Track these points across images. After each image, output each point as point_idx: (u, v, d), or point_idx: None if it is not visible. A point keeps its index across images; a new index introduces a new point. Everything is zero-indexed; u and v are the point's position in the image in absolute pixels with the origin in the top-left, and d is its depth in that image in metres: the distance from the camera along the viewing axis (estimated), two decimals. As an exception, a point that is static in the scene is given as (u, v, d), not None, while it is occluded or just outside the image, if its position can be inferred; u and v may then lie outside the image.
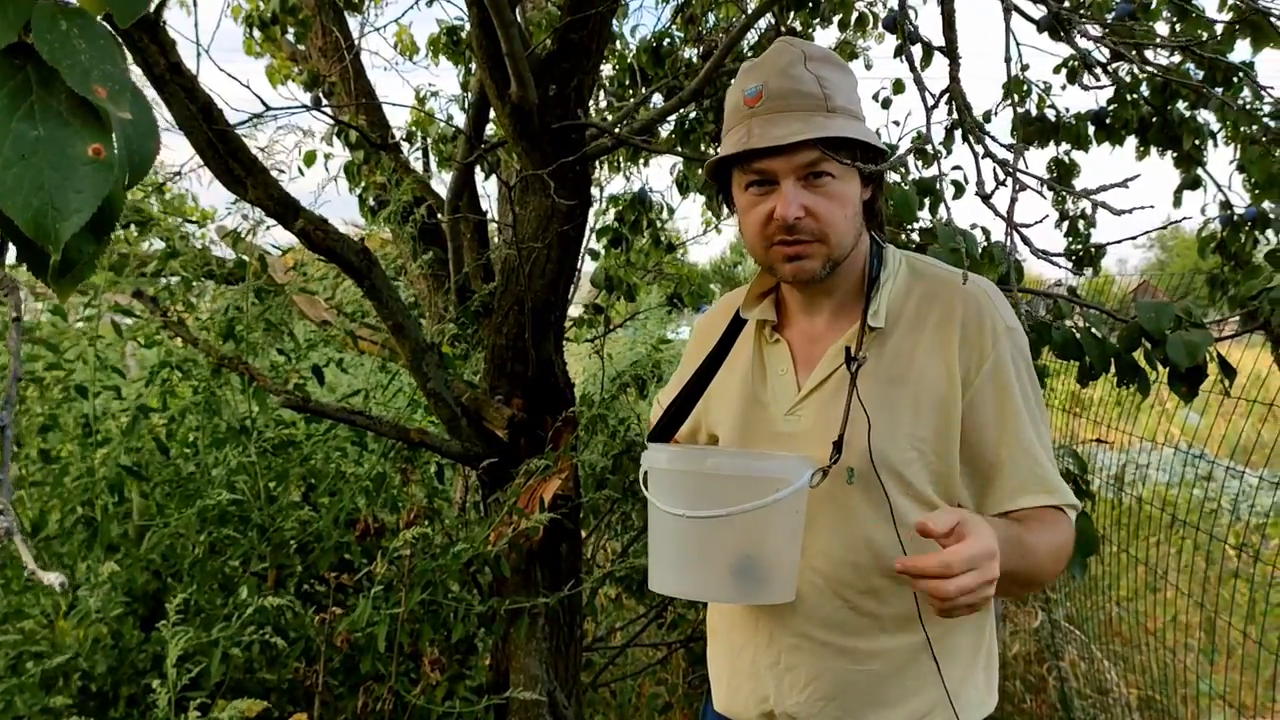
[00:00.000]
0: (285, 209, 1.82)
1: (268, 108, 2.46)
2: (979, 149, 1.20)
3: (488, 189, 4.23)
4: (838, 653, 1.39)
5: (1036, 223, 1.13)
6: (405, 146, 3.53)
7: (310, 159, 3.18)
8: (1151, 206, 1.17)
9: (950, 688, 1.38)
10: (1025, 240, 1.14)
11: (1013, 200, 1.13)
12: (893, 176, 2.75)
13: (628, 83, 3.66)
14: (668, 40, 3.53)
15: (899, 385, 1.36)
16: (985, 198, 1.15)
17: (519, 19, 2.14)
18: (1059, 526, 1.36)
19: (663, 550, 1.32)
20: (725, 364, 1.54)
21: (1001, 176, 1.18)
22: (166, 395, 2.38)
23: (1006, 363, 1.36)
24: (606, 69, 3.77)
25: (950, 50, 1.37)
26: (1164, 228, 1.42)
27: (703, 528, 1.26)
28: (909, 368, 1.37)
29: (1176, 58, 3.03)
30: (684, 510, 1.25)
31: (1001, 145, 1.25)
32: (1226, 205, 3.23)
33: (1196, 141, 3.17)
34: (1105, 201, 1.10)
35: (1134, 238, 1.26)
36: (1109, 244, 4.04)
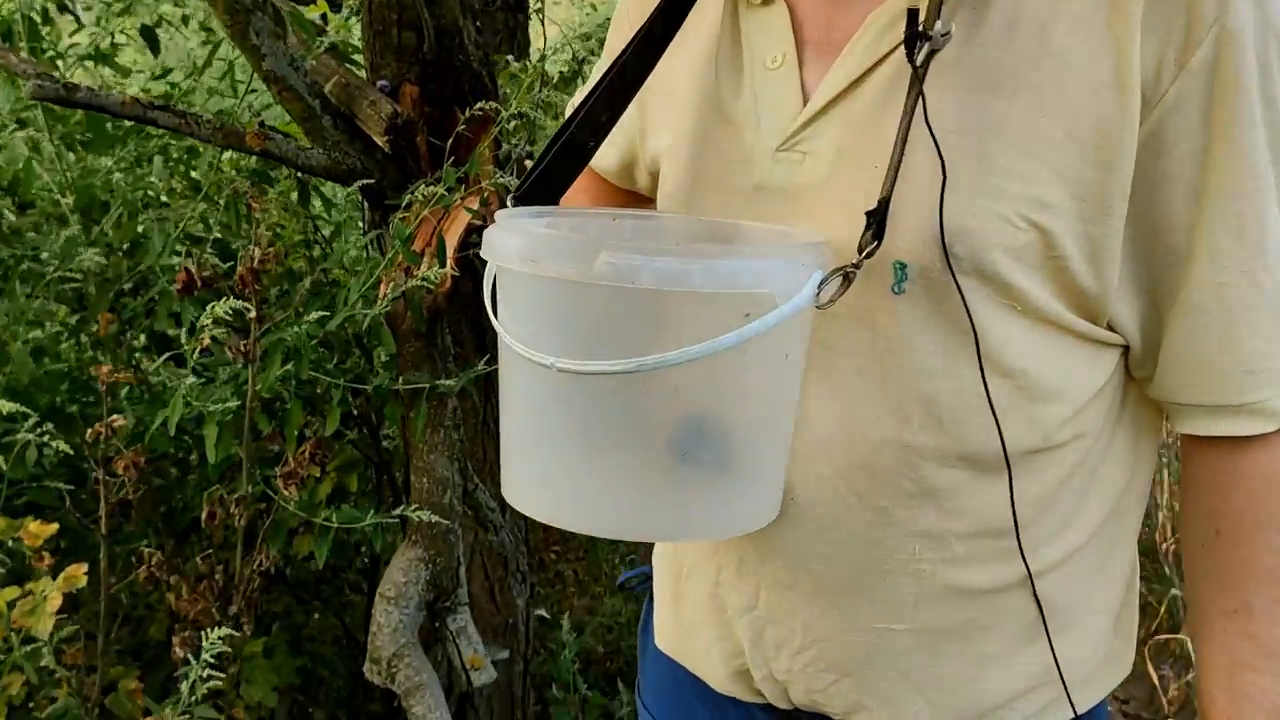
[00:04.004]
0: None
1: None
2: None
3: None
4: (860, 600, 0.78)
5: None
6: None
7: None
8: None
9: (1063, 657, 0.79)
10: None
11: None
12: None
13: None
14: None
15: (1007, 98, 0.71)
16: None
17: None
18: None
19: (523, 435, 0.69)
20: (674, 45, 0.84)
21: None
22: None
23: (1244, 65, 0.69)
24: None
25: None
26: None
27: (600, 393, 0.63)
28: (1030, 62, 0.71)
29: None
30: (564, 359, 0.60)
31: None
32: None
33: None
34: None
35: None
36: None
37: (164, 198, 1.78)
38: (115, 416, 1.26)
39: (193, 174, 1.73)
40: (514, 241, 0.66)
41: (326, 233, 1.87)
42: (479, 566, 1.84)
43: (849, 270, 0.66)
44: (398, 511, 1.48)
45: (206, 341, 1.34)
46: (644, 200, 1.08)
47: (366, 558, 1.97)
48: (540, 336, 0.66)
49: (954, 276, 0.70)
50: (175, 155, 1.83)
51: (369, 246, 1.76)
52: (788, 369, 0.68)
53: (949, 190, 0.69)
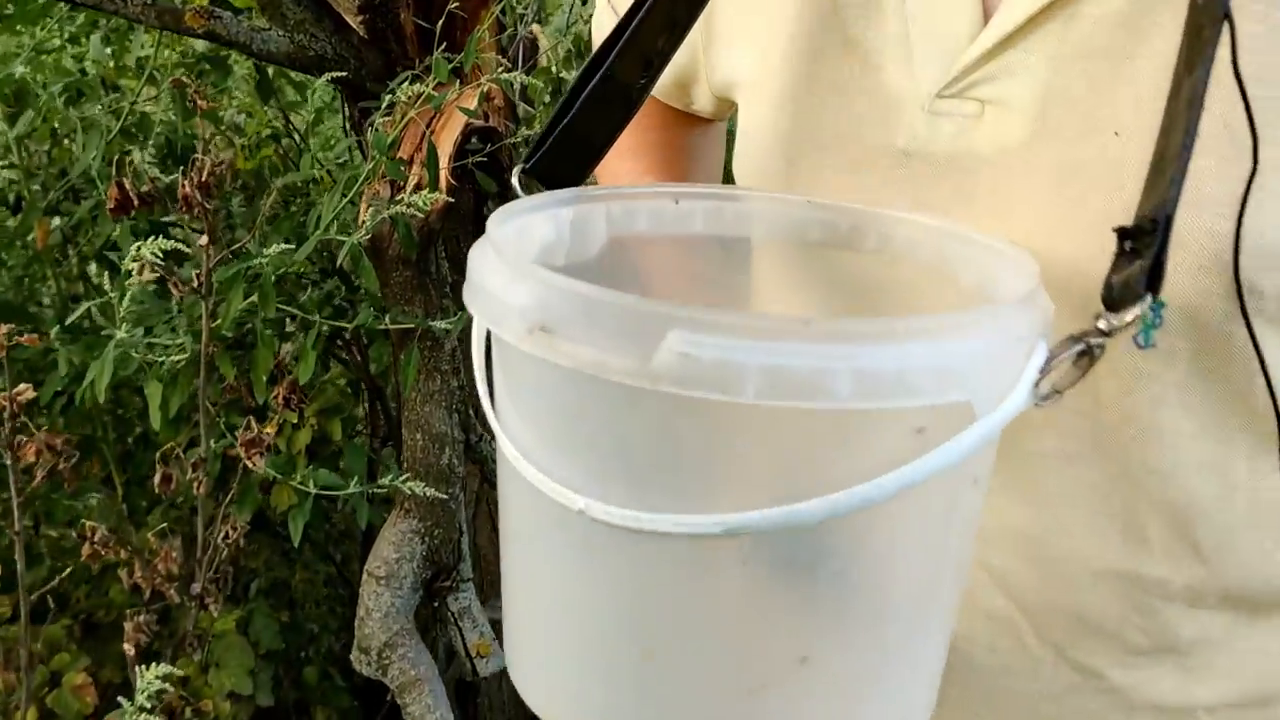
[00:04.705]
0: None
1: None
2: None
3: None
4: None
5: None
6: None
7: None
8: None
9: None
10: None
11: None
12: None
13: None
14: None
15: None
16: None
17: None
18: None
19: (533, 612, 0.42)
20: None
21: None
22: None
23: None
24: None
25: None
26: None
27: (665, 563, 0.36)
28: None
29: None
30: (603, 505, 0.34)
31: None
32: None
33: None
34: None
35: None
36: None
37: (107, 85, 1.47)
38: (22, 387, 1.00)
39: (131, 57, 1.41)
40: (520, 295, 0.38)
41: (303, 124, 1.57)
42: (485, 516, 1.61)
43: (1092, 343, 0.39)
44: (386, 481, 1.23)
45: (138, 282, 1.07)
46: (706, 127, 0.79)
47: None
48: (562, 455, 0.39)
49: (1247, 323, 0.43)
50: (115, 27, 1.51)
51: (351, 150, 1.46)
52: (972, 500, 0.42)
53: (1257, 186, 0.41)
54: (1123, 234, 0.39)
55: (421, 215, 1.22)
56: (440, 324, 1.23)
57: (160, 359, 1.13)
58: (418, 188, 1.24)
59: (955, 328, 0.37)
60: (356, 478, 1.25)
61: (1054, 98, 0.47)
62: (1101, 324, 0.38)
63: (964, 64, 0.49)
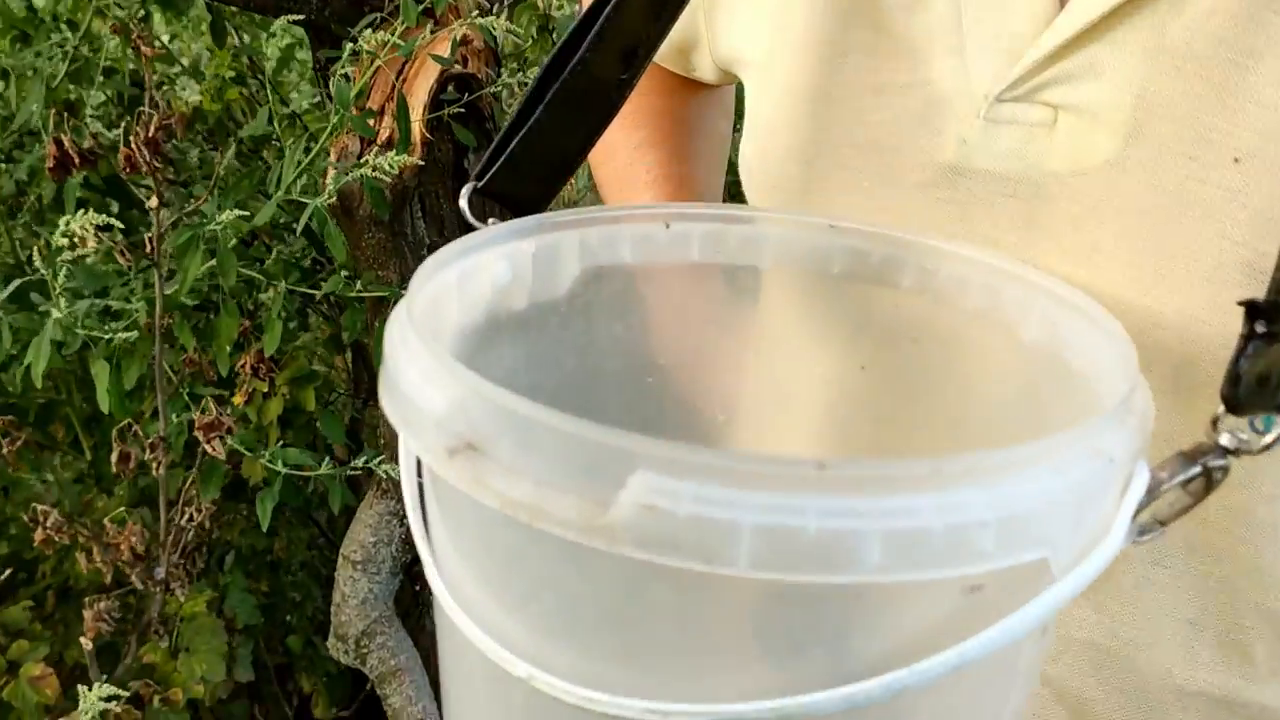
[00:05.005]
0: None
1: None
2: None
3: None
4: None
5: None
6: None
7: None
8: None
9: None
10: None
11: None
12: None
13: None
14: None
15: None
16: None
17: None
18: None
19: None
20: None
21: None
22: None
23: None
24: None
25: None
26: None
27: None
28: None
29: None
30: (551, 676, 0.25)
31: None
32: None
33: None
34: None
35: None
36: None
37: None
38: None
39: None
40: (436, 400, 0.29)
41: (269, 65, 1.44)
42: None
43: (1211, 465, 0.29)
44: (360, 463, 1.15)
45: (72, 257, 0.97)
46: (712, 93, 0.68)
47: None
48: (502, 606, 0.30)
49: None
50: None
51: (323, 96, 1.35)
52: (1040, 648, 0.32)
53: None
54: (1254, 311, 0.29)
55: (399, 176, 1.11)
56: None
57: (107, 335, 1.04)
58: (389, 143, 1.13)
59: (1024, 463, 0.27)
60: (326, 458, 1.16)
61: (1152, 107, 0.36)
62: (1226, 439, 0.28)
63: (1034, 59, 0.38)
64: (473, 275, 0.38)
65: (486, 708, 0.33)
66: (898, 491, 0.25)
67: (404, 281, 1.19)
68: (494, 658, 0.30)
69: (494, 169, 0.42)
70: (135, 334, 1.05)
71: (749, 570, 0.25)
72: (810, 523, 0.25)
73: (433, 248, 1.26)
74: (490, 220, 0.41)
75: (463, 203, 0.42)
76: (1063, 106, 0.39)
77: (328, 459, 1.17)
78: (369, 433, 1.62)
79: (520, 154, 0.41)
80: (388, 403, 0.31)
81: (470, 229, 0.41)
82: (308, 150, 1.10)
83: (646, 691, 0.28)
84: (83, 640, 1.11)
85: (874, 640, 0.28)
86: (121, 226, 1.06)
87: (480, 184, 0.42)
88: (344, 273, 1.20)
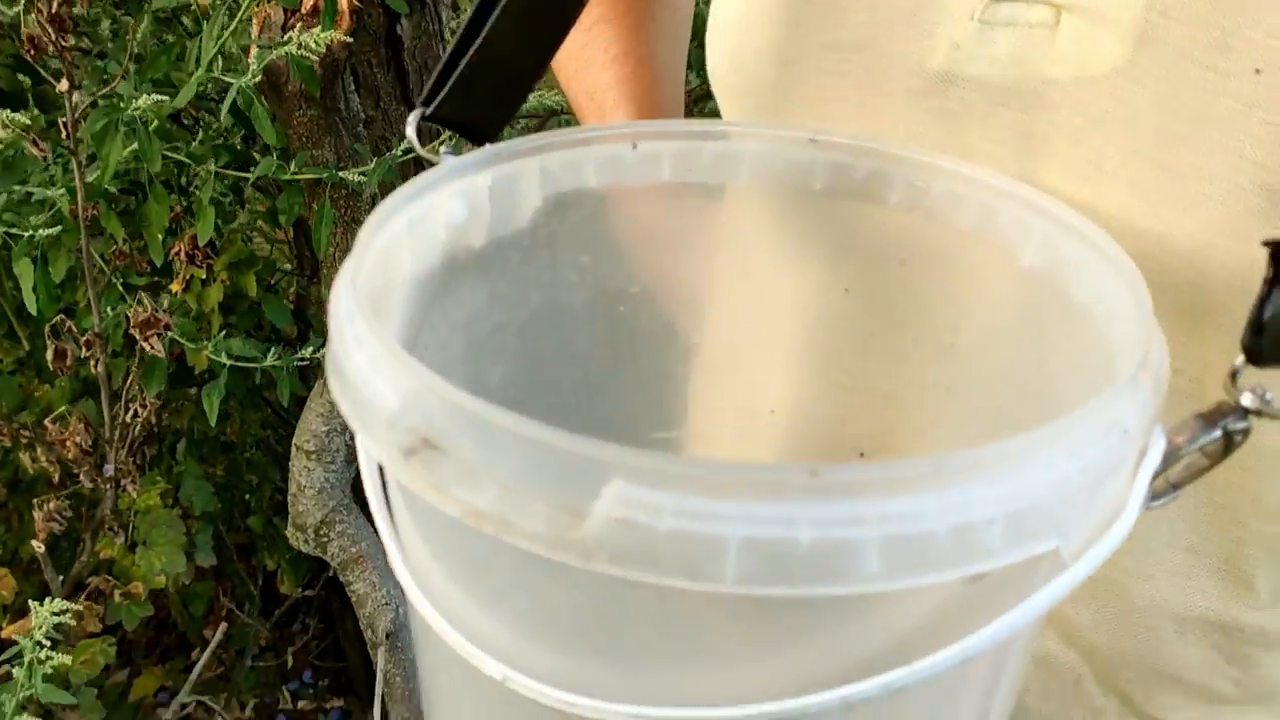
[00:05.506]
0: None
1: None
2: None
3: None
4: None
5: None
6: None
7: None
8: None
9: None
10: None
11: None
12: None
13: None
14: None
15: None
16: None
17: None
18: None
19: None
20: None
21: None
22: None
23: None
24: None
25: None
26: None
27: None
28: None
29: None
30: (526, 678, 0.24)
31: None
32: None
33: None
34: None
35: None
36: None
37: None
38: None
39: None
40: (387, 393, 0.26)
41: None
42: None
43: (1232, 429, 0.27)
44: (308, 351, 1.11)
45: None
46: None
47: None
48: (476, 600, 0.28)
49: None
50: None
51: None
52: (1039, 624, 0.31)
53: None
54: (1275, 251, 0.27)
55: (331, 51, 1.04)
56: (353, 174, 1.08)
57: (29, 232, 0.98)
58: (314, 10, 1.05)
59: (1034, 450, 0.25)
60: (273, 346, 1.13)
61: (1166, 6, 0.33)
62: (1248, 399, 0.26)
63: None
64: (424, 219, 0.35)
65: (467, 705, 0.31)
66: (896, 494, 0.23)
67: (340, 161, 1.14)
68: (468, 656, 0.28)
69: (443, 92, 0.37)
70: (60, 227, 1.00)
71: (736, 586, 0.23)
72: (803, 533, 0.23)
73: (369, 121, 1.20)
74: (443, 151, 0.37)
75: (410, 131, 0.38)
76: (1066, 5, 0.35)
77: (274, 347, 1.13)
78: (316, 310, 1.57)
79: (471, 74, 0.37)
80: (336, 388, 0.28)
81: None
82: (224, 27, 1.03)
83: (632, 694, 0.26)
84: (34, 544, 1.09)
85: (871, 638, 0.26)
86: (34, 112, 0.99)
87: (429, 110, 0.38)
88: (276, 153, 1.14)
